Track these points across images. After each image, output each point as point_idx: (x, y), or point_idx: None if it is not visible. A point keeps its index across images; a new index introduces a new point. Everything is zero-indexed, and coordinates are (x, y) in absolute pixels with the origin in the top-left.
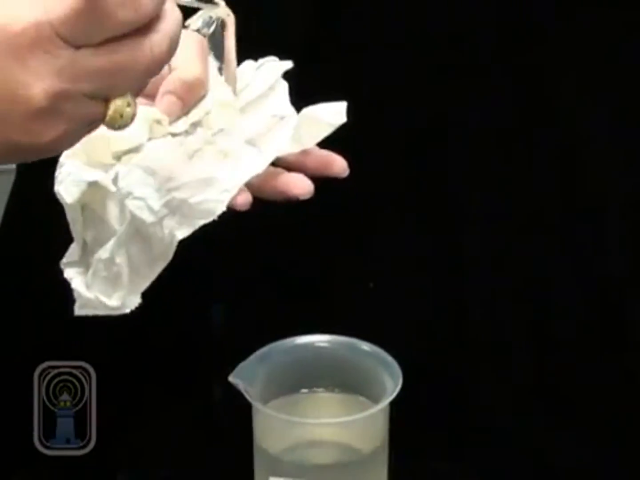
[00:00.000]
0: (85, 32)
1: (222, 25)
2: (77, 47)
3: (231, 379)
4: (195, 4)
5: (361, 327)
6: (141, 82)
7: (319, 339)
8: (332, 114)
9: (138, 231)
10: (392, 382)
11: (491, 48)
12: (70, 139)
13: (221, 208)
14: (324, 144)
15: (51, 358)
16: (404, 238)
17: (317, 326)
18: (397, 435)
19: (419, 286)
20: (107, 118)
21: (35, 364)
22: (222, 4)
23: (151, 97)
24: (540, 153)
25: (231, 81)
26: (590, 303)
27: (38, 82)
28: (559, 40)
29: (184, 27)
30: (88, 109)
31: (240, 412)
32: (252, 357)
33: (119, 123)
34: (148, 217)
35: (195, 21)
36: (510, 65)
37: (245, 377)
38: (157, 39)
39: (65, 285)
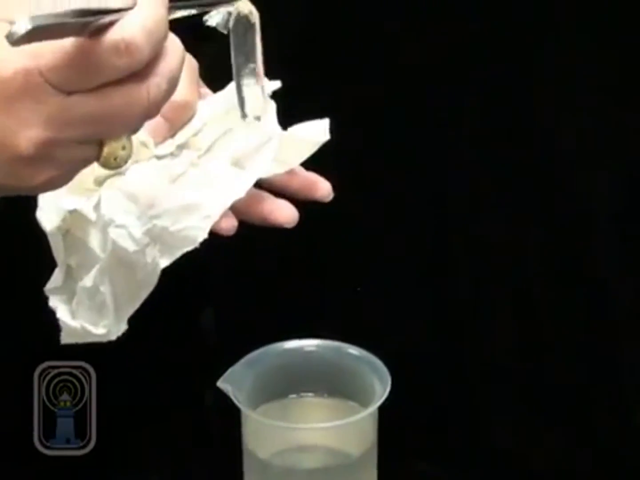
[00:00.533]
0: (76, 79)
1: (245, 21)
2: (68, 92)
3: (220, 384)
4: (214, 7)
5: (350, 331)
6: (137, 125)
7: (308, 344)
8: (315, 132)
9: (121, 259)
10: (381, 386)
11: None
12: (61, 181)
13: (202, 235)
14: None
15: (51, 358)
16: (393, 241)
17: (306, 331)
18: (387, 439)
19: (407, 290)
20: (101, 159)
21: (35, 364)
22: None
23: None
24: (521, 157)
25: (259, 80)
26: (574, 305)
27: (25, 131)
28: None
29: (204, 22)
30: (80, 153)
31: (231, 417)
32: (241, 362)
33: (113, 165)
34: (130, 246)
35: (213, 17)
36: (496, 80)
37: (235, 382)
38: (155, 82)
39: None
